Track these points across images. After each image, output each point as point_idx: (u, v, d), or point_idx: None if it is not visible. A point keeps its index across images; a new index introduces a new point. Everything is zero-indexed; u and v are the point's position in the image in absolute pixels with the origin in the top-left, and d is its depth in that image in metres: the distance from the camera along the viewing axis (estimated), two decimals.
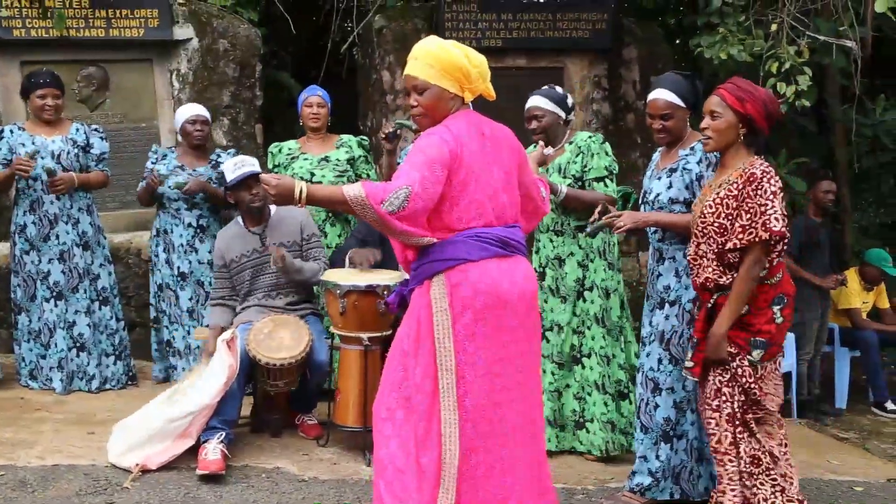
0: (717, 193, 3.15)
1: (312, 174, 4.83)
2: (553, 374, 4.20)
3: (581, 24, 6.55)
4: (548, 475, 3.05)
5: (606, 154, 4.16)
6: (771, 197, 3.03)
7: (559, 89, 4.29)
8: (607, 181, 4.11)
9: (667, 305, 3.56)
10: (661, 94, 3.55)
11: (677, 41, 8.20)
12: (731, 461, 3.16)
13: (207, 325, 4.48)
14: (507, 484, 2.86)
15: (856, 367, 6.34)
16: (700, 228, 3.22)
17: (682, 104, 3.54)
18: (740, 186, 3.07)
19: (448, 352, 2.79)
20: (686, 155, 3.54)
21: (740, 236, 3.07)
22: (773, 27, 5.26)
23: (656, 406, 3.57)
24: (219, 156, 5.08)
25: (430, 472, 2.81)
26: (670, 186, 3.54)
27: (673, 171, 3.56)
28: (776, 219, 3.02)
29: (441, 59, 2.85)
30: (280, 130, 7.18)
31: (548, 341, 4.23)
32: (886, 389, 6.18)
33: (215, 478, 3.71)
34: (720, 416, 3.18)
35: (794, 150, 7.07)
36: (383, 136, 4.39)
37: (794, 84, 5.07)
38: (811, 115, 7.13)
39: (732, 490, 3.16)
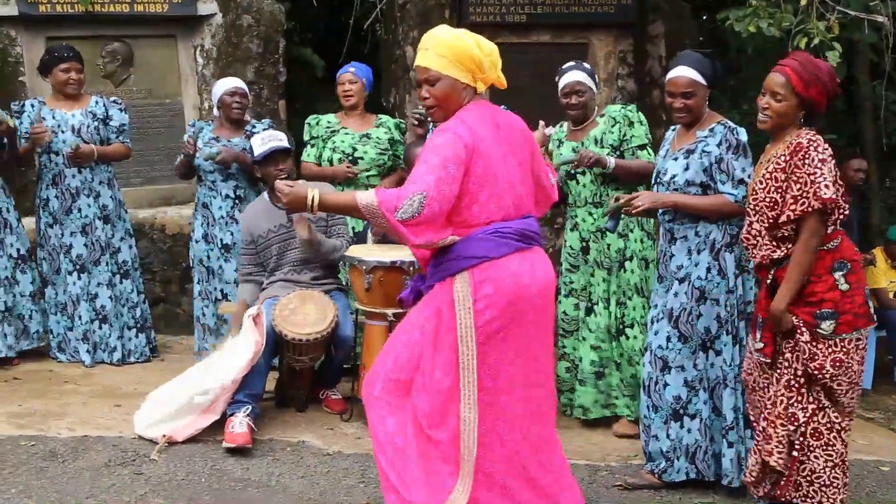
0: (767, 168, 3.11)
1: (354, 149, 4.82)
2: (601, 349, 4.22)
3: None
4: (550, 461, 3.02)
5: (642, 123, 4.20)
6: (819, 165, 2.98)
7: (586, 64, 4.35)
8: (649, 148, 4.15)
9: (676, 283, 3.55)
10: (684, 72, 3.50)
11: (703, 17, 8.09)
12: (782, 425, 3.09)
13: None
14: (519, 465, 2.89)
15: (882, 347, 6.27)
16: (752, 206, 3.18)
17: (703, 82, 3.49)
18: (787, 158, 3.04)
19: (471, 350, 2.77)
20: (705, 137, 3.50)
21: (793, 207, 3.02)
22: (803, 1, 5.16)
23: (665, 385, 3.57)
24: (254, 126, 5.02)
25: (444, 446, 2.81)
26: (687, 168, 3.51)
27: (690, 152, 3.52)
28: (826, 186, 2.96)
29: (452, 49, 2.78)
30: (301, 107, 7.17)
31: (596, 316, 4.23)
32: None
33: (241, 451, 3.75)
34: (779, 381, 3.12)
35: (822, 128, 6.97)
36: (415, 121, 4.34)
37: (822, 60, 4.98)
38: (840, 91, 7.02)
39: (780, 453, 3.09)
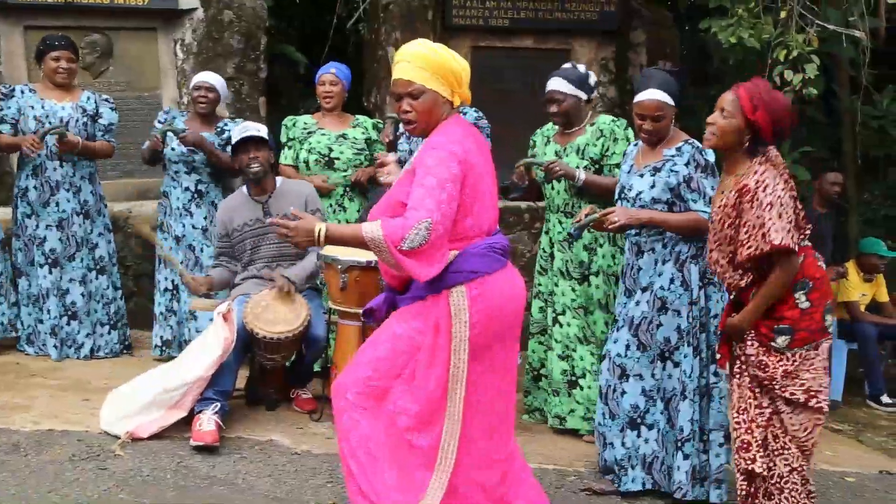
0: (722, 202, 3.12)
1: (331, 149, 4.84)
2: (592, 354, 4.19)
3: (590, 5, 6.48)
4: (509, 471, 3.03)
5: (628, 140, 4.08)
6: (767, 208, 2.94)
7: (581, 68, 4.20)
8: None
9: (639, 292, 3.58)
10: (653, 95, 3.50)
11: (686, 28, 8.15)
12: (757, 427, 3.11)
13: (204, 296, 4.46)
14: (484, 478, 2.92)
15: (853, 360, 6.34)
16: (712, 235, 3.19)
17: (671, 103, 3.51)
18: (737, 196, 3.03)
19: (462, 363, 2.79)
20: (672, 156, 3.53)
21: (745, 250, 3.02)
22: (783, 14, 5.21)
23: (623, 392, 3.59)
24: (226, 124, 5.04)
25: (423, 452, 2.83)
26: (653, 186, 3.53)
27: (657, 170, 3.55)
28: (776, 231, 2.93)
29: (433, 63, 2.78)
30: (286, 104, 7.16)
31: (561, 326, 4.22)
32: (883, 383, 6.16)
33: (209, 449, 3.73)
34: (741, 387, 3.15)
35: (801, 139, 7.02)
36: (387, 141, 4.31)
37: (801, 72, 5.03)
38: (819, 104, 7.08)
39: (762, 458, 3.10)
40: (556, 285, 4.23)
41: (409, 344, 2.83)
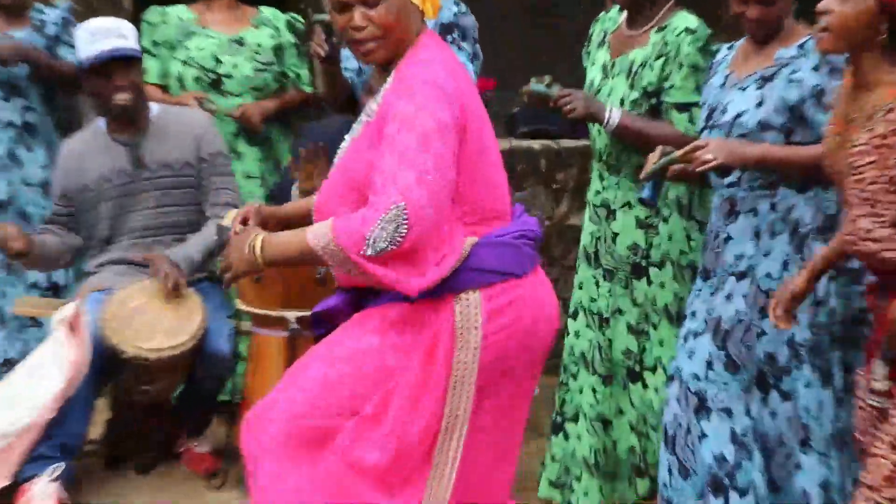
0: (873, 130, 2.91)
1: (219, 61, 4.76)
2: (594, 391, 4.03)
3: None
4: None
5: (696, 68, 3.75)
6: None
7: None
8: (695, 111, 3.72)
9: (732, 280, 3.46)
10: None
11: None
12: (890, 501, 2.97)
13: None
14: None
15: None
16: (856, 190, 2.98)
17: None
18: None
19: (464, 409, 2.81)
20: (792, 57, 3.39)
21: None
22: None
23: (702, 436, 3.48)
24: (41, 12, 4.95)
25: None
26: (762, 103, 3.39)
27: (767, 79, 3.42)
28: None
29: None
30: None
31: (567, 334, 4.07)
32: None
33: None
34: (882, 441, 2.96)
35: None
36: (318, 48, 4.14)
37: None
38: None
39: None
40: (576, 271, 4.14)
41: (380, 366, 2.80)
